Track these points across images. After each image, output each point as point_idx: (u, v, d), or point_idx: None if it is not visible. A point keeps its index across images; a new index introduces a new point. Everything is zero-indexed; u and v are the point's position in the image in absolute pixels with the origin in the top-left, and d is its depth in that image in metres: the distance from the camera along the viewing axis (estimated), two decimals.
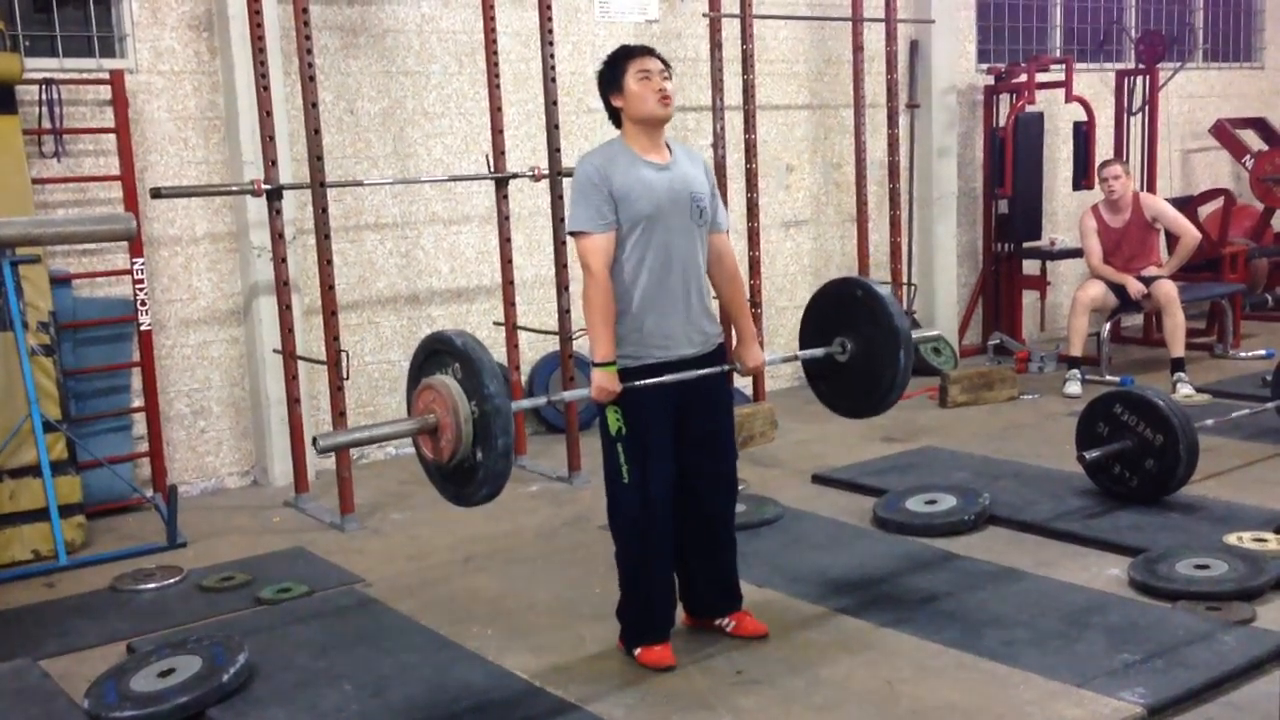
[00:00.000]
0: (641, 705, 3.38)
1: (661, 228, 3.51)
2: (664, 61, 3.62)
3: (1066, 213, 9.04)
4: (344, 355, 5.24)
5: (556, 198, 5.77)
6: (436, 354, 3.29)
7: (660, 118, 3.57)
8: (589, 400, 3.52)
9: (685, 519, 3.74)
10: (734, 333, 3.89)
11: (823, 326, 4.06)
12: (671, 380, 3.53)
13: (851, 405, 4.12)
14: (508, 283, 6.05)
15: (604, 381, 3.45)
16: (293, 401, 5.58)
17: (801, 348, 4.10)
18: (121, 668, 3.67)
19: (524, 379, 6.59)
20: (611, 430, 3.55)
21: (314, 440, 3.19)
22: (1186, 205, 8.36)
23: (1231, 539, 4.36)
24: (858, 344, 3.95)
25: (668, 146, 3.64)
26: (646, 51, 3.60)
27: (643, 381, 3.49)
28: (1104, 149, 8.54)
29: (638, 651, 3.63)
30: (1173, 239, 7.57)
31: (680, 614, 3.82)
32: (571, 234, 3.52)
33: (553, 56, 5.68)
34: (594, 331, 3.47)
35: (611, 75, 3.59)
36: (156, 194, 5.19)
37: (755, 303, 6.63)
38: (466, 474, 3.21)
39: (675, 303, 3.56)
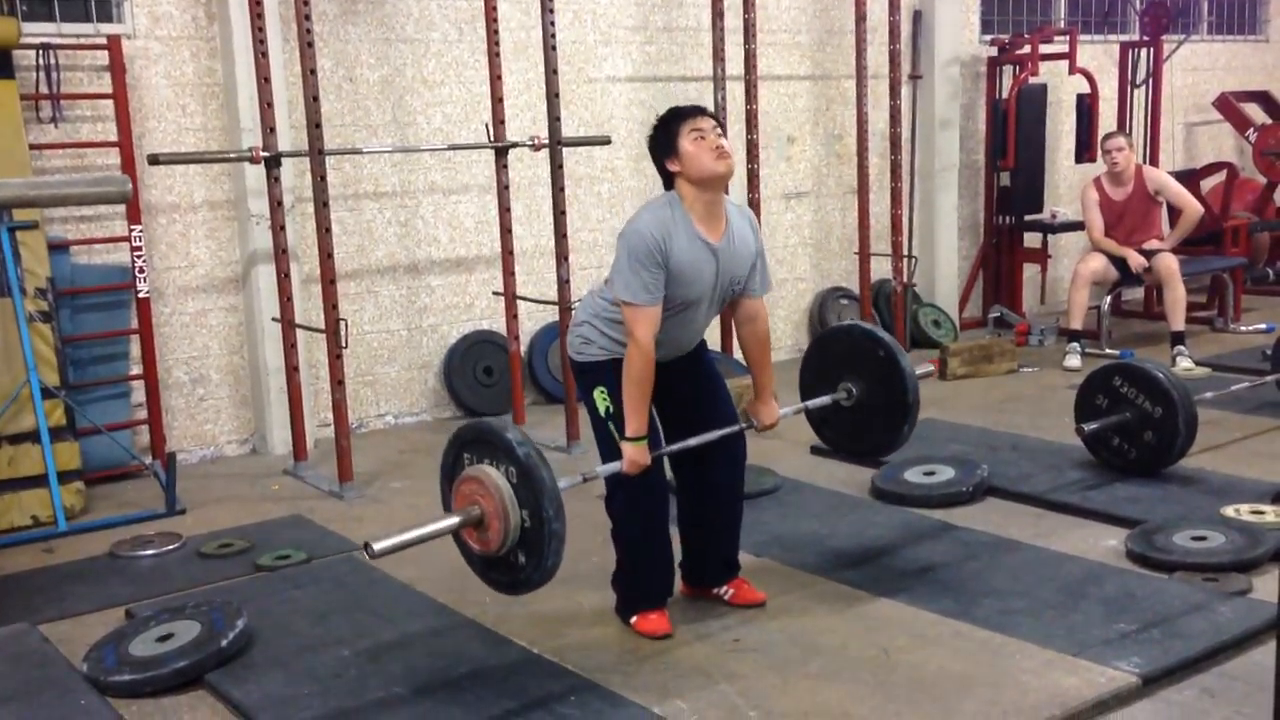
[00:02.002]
0: (639, 673, 3.39)
1: (696, 305, 3.52)
2: (716, 119, 3.57)
3: (1068, 186, 9.02)
4: (343, 324, 5.23)
5: (556, 167, 5.75)
6: (487, 444, 3.19)
7: (720, 175, 3.46)
8: (621, 474, 3.48)
9: (690, 490, 3.75)
10: (752, 386, 3.87)
11: (826, 369, 4.13)
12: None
13: (848, 445, 4.28)
14: (507, 252, 6.03)
15: (636, 456, 3.44)
16: (291, 370, 5.57)
17: (802, 385, 4.19)
18: (120, 632, 3.69)
19: (523, 349, 6.58)
20: (601, 411, 3.54)
21: (365, 546, 3.12)
22: (1189, 178, 8.33)
23: (1229, 511, 4.37)
24: (863, 395, 4.03)
25: (725, 214, 3.55)
26: (698, 111, 3.53)
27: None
28: (1107, 122, 8.51)
29: (634, 619, 3.63)
30: (1175, 212, 7.55)
31: (678, 583, 3.82)
32: (623, 302, 3.42)
33: (553, 24, 5.64)
34: (630, 403, 3.41)
35: (664, 139, 3.50)
36: (154, 160, 5.17)
37: None
38: (512, 567, 3.20)
39: (678, 344, 3.62)
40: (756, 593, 3.82)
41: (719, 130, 3.51)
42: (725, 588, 3.84)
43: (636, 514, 3.60)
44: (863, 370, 4.03)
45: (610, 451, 3.55)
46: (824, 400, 4.08)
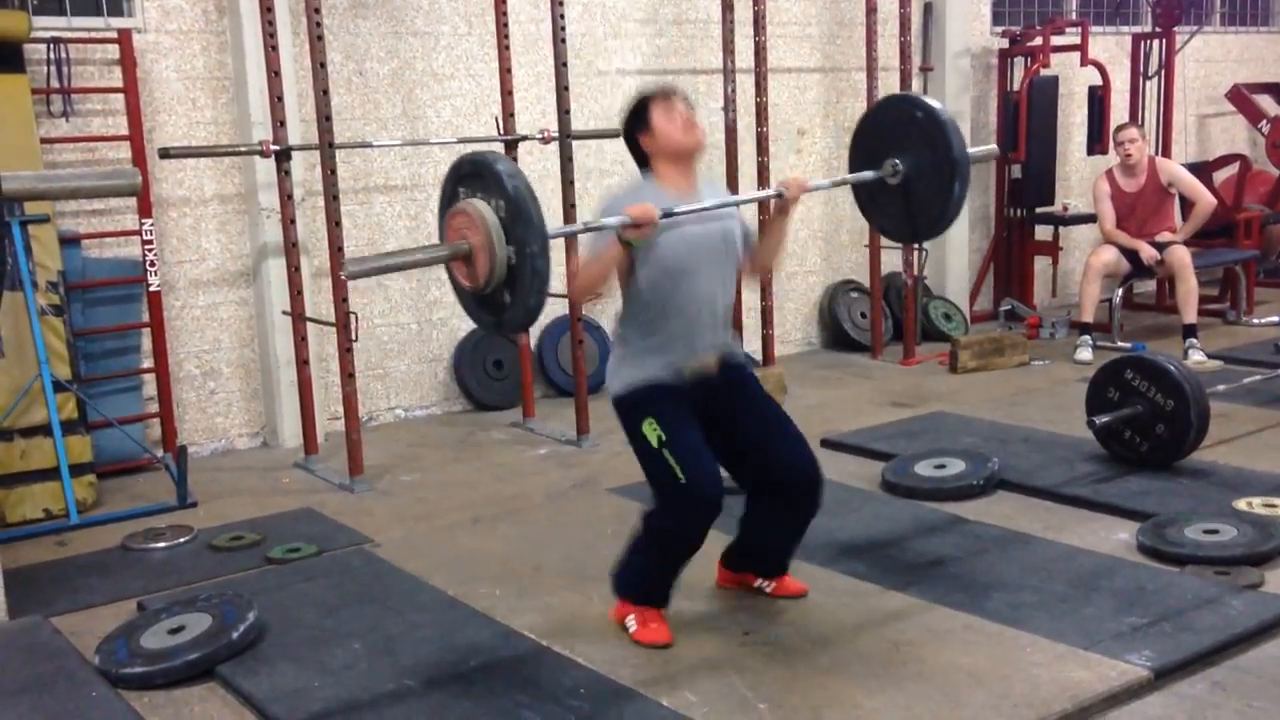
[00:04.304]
0: (648, 665, 3.39)
1: (692, 273, 3.46)
2: (688, 103, 3.58)
3: (1080, 178, 8.98)
4: (353, 317, 5.24)
5: (566, 160, 5.75)
6: (480, 178, 3.13)
7: (689, 147, 3.49)
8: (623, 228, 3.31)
9: (769, 506, 3.69)
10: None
11: (874, 146, 3.84)
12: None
13: (900, 230, 4.01)
14: None
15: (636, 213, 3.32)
16: (302, 363, 5.58)
17: (851, 169, 3.91)
18: (132, 625, 3.70)
19: (533, 343, 6.59)
20: (653, 443, 3.41)
21: (341, 266, 3.10)
22: (1202, 170, 8.29)
23: (1241, 504, 4.36)
24: (909, 167, 3.74)
25: (696, 186, 3.56)
26: (671, 92, 3.56)
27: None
28: (1119, 114, 8.46)
29: (633, 630, 3.56)
30: (1187, 205, 7.51)
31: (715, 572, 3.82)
32: (581, 258, 3.45)
33: (563, 17, 5.64)
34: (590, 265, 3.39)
35: (637, 119, 3.54)
36: (165, 154, 5.18)
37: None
38: (498, 306, 3.16)
39: (701, 335, 3.52)
40: (799, 584, 3.82)
41: (690, 112, 3.55)
42: (767, 580, 3.83)
43: (683, 535, 3.45)
44: (907, 142, 3.76)
45: (665, 479, 3.38)
46: (867, 175, 3.82)
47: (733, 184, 6.61)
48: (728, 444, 3.57)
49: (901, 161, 3.76)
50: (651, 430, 3.41)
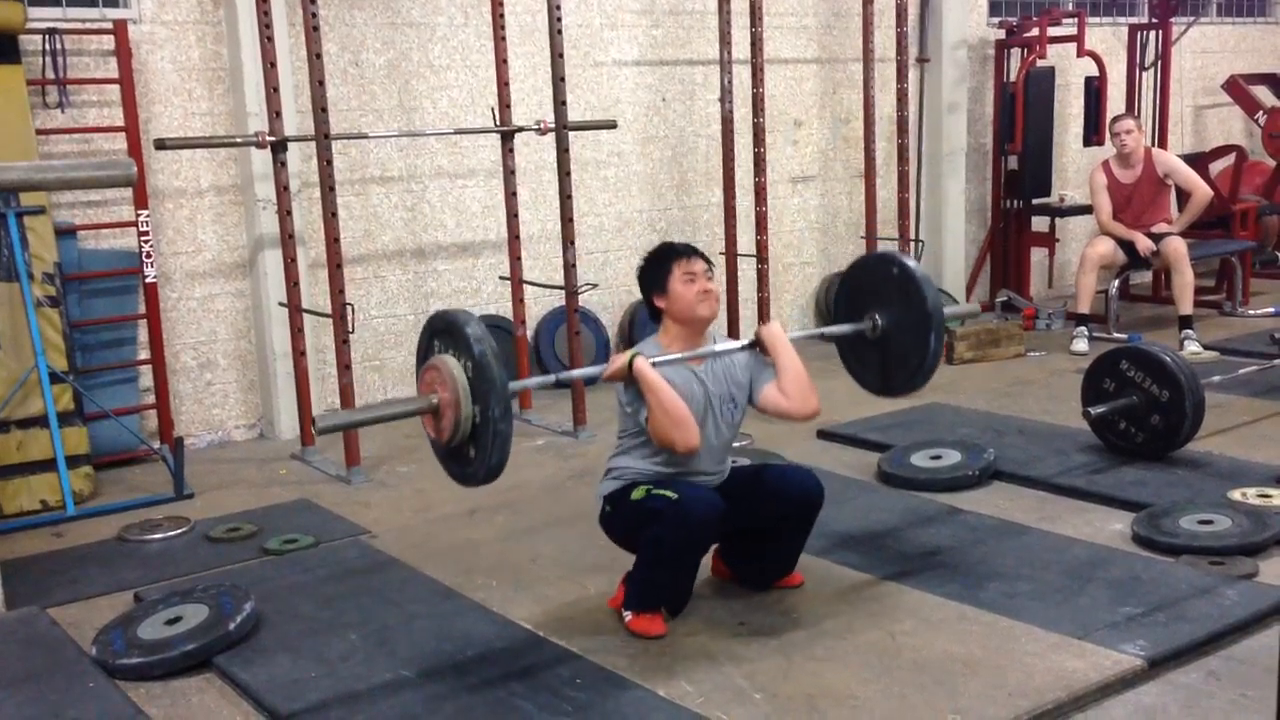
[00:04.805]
0: (644, 655, 3.40)
1: (700, 425, 3.50)
2: (708, 261, 3.63)
3: (1076, 169, 8.98)
4: (349, 309, 5.24)
5: (562, 151, 5.74)
6: (451, 335, 3.20)
7: (704, 319, 3.57)
8: (602, 378, 3.48)
9: (767, 523, 3.72)
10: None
11: (856, 301, 3.99)
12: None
13: (880, 383, 4.04)
14: (513, 237, 6.03)
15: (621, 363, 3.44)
16: (298, 355, 5.58)
17: (835, 321, 4.04)
18: (129, 616, 3.71)
19: (529, 334, 6.59)
20: (641, 495, 3.47)
21: (313, 422, 3.19)
22: (1198, 161, 8.29)
23: (1236, 495, 4.37)
24: (888, 322, 3.88)
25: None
26: (691, 252, 3.60)
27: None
28: (1116, 104, 8.46)
29: (629, 618, 3.56)
30: (1184, 196, 7.52)
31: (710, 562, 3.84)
32: (646, 423, 3.45)
33: (559, 8, 5.63)
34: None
35: (655, 275, 3.59)
36: (161, 145, 5.17)
37: (762, 259, 6.61)
38: (464, 460, 3.23)
39: (703, 467, 3.60)
40: (796, 574, 3.84)
41: (709, 274, 3.60)
42: None
43: (677, 552, 3.46)
44: (884, 296, 3.88)
45: (653, 508, 3.41)
46: (845, 328, 3.94)
47: (729, 175, 6.61)
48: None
49: (881, 317, 3.88)
50: (640, 490, 3.49)
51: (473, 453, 3.17)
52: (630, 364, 3.41)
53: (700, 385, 3.57)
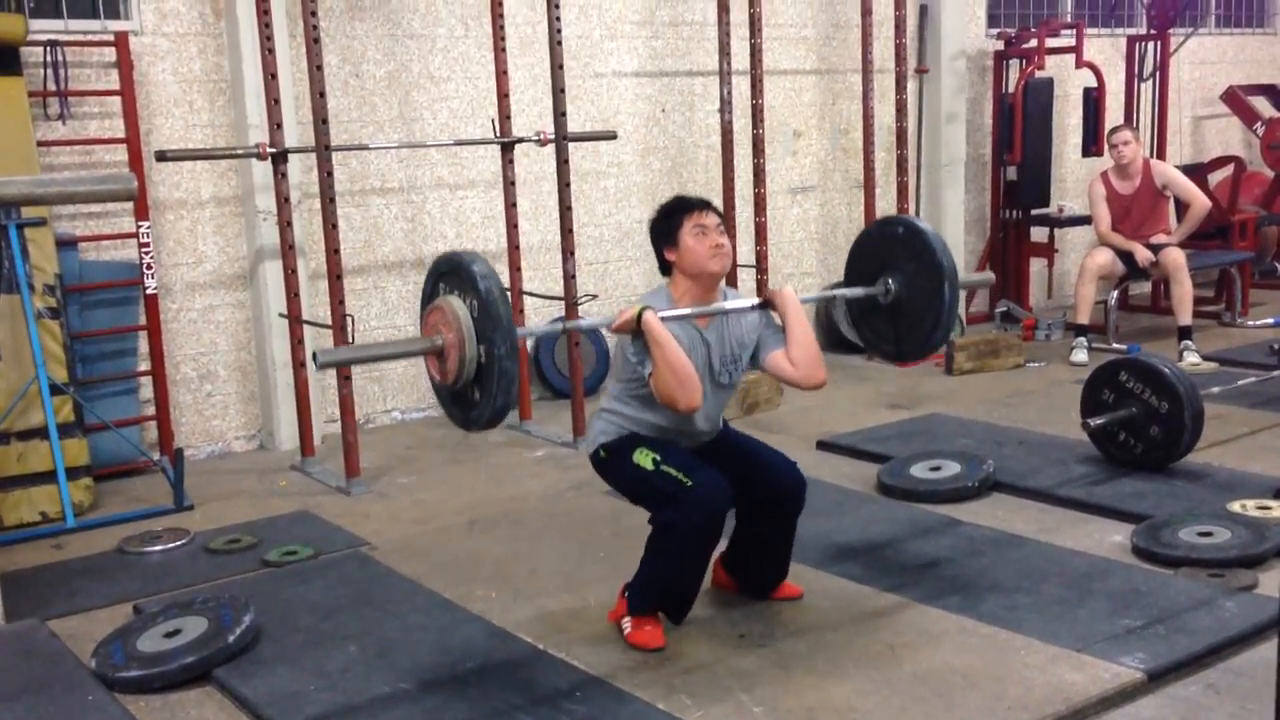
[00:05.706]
0: (643, 667, 3.40)
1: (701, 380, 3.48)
2: (720, 215, 3.59)
3: (1075, 180, 8.99)
4: (349, 319, 5.25)
5: (562, 162, 5.75)
6: (456, 276, 3.17)
7: (714, 273, 3.51)
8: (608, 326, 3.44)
9: (758, 523, 3.74)
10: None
11: (865, 268, 3.88)
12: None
13: (895, 348, 3.91)
14: (513, 248, 6.04)
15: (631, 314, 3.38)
16: (298, 366, 5.59)
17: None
18: (128, 628, 3.71)
19: (529, 345, 6.60)
20: (649, 465, 3.44)
21: (313, 355, 3.14)
22: (1197, 172, 8.30)
23: (1235, 506, 4.37)
24: (900, 284, 3.77)
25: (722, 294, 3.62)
26: (704, 205, 3.56)
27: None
28: (1114, 115, 8.48)
29: (628, 630, 3.56)
30: (1182, 206, 7.53)
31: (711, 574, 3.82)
32: (648, 376, 3.40)
33: (559, 19, 5.64)
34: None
35: (666, 228, 3.54)
36: (162, 157, 5.18)
37: (761, 269, 6.62)
38: (468, 403, 3.20)
39: (690, 435, 3.60)
40: (794, 586, 3.83)
41: (721, 227, 3.55)
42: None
43: (696, 537, 3.44)
44: (896, 260, 3.77)
45: (668, 490, 3.38)
46: (857, 291, 3.83)
47: (729, 186, 6.61)
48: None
49: (894, 281, 3.78)
50: (645, 456, 3.45)
51: (477, 395, 3.13)
52: (639, 316, 3.35)
53: (704, 344, 3.53)
